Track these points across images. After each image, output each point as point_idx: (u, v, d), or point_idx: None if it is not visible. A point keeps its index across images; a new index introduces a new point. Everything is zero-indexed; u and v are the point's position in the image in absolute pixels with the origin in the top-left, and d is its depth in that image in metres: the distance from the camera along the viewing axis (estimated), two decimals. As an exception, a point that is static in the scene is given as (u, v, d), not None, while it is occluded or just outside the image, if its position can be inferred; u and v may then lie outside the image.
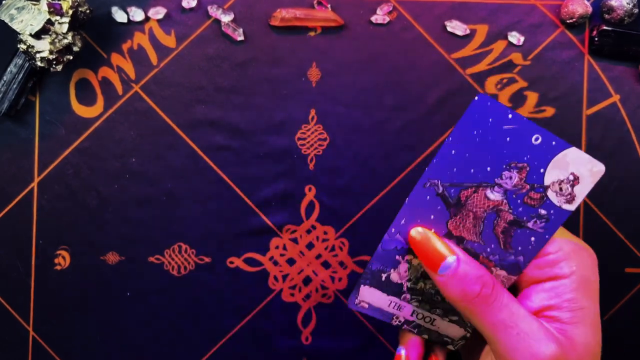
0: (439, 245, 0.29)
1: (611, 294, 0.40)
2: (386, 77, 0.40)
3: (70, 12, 0.36)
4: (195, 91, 0.40)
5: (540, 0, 0.40)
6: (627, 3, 0.39)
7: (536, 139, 0.28)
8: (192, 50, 0.40)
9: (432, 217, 0.30)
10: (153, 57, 0.40)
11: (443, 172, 0.29)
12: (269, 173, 0.40)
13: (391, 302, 0.32)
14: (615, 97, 0.40)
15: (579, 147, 0.40)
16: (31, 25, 0.36)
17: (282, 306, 0.40)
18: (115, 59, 0.40)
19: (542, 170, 0.29)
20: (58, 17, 0.36)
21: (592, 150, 0.40)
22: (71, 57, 0.38)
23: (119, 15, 0.39)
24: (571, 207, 0.29)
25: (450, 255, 0.29)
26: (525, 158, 0.29)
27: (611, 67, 0.40)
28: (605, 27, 0.39)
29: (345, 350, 0.41)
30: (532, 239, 0.29)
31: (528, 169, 0.29)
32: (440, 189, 0.29)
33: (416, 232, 0.30)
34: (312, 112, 0.40)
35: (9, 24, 0.36)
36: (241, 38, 0.40)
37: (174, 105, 0.40)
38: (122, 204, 0.40)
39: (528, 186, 0.29)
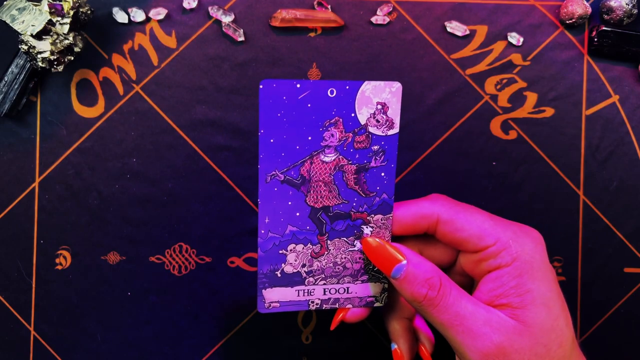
0: (390, 250, 0.31)
1: (610, 293, 0.40)
2: (386, 78, 0.40)
3: (71, 12, 0.36)
4: (196, 91, 0.40)
5: (539, 0, 0.40)
6: (627, 4, 0.39)
7: (331, 92, 0.30)
8: (193, 50, 0.40)
9: (289, 203, 0.31)
10: (154, 57, 0.40)
11: (274, 162, 0.30)
12: (270, 173, 0.40)
13: (298, 291, 0.33)
14: (615, 98, 0.40)
15: (579, 147, 0.40)
16: (32, 25, 0.36)
17: (282, 306, 0.40)
18: (116, 59, 0.40)
19: (353, 115, 0.30)
20: (59, 18, 0.36)
21: (592, 150, 0.40)
22: (72, 58, 0.38)
23: (120, 16, 0.40)
24: (395, 131, 0.31)
25: (401, 259, 0.31)
26: (333, 112, 0.30)
27: (610, 68, 0.40)
28: (604, 28, 0.39)
29: (345, 350, 0.41)
30: (382, 174, 0.31)
31: (341, 120, 0.30)
32: (281, 176, 0.31)
33: (371, 239, 0.32)
34: (313, 112, 0.40)
35: (10, 24, 0.36)
36: (242, 39, 0.40)
37: (174, 106, 0.40)
38: (123, 204, 0.40)
39: (351, 134, 0.30)
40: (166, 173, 0.40)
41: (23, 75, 0.38)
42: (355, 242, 0.32)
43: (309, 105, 0.30)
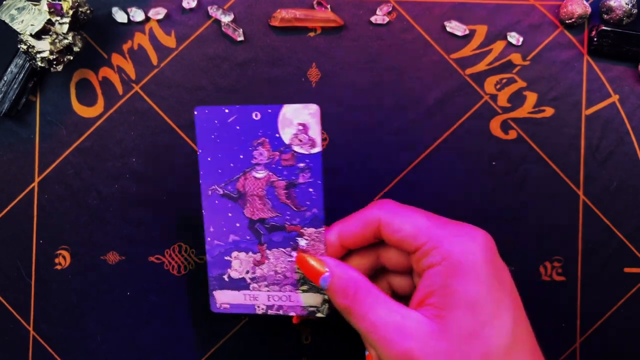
0: (313, 263, 0.33)
1: (610, 293, 0.40)
2: (386, 77, 0.40)
3: (71, 12, 0.36)
4: (196, 91, 0.40)
5: (539, 0, 0.40)
6: (626, 3, 0.39)
7: (256, 115, 0.33)
8: (192, 50, 0.40)
9: (229, 214, 0.34)
10: (153, 57, 0.40)
11: (213, 177, 0.34)
12: (269, 173, 0.40)
13: (245, 295, 0.35)
14: (615, 97, 0.40)
15: (578, 147, 0.40)
16: (32, 25, 0.36)
17: (282, 306, 0.40)
18: (116, 59, 0.40)
19: (277, 135, 0.33)
20: (58, 18, 0.36)
21: (592, 150, 0.40)
22: (72, 57, 0.38)
23: (120, 16, 0.40)
24: (318, 149, 0.33)
25: (324, 271, 0.32)
26: (259, 133, 0.33)
27: (610, 67, 0.40)
28: (604, 28, 0.39)
29: (345, 350, 0.41)
30: (310, 190, 0.33)
31: (267, 140, 0.33)
32: (220, 190, 0.34)
33: (300, 253, 0.34)
34: (312, 112, 0.40)
35: (10, 24, 0.36)
36: (241, 38, 0.40)
37: (174, 106, 0.40)
38: (122, 204, 0.40)
39: (277, 153, 0.33)
40: (166, 173, 0.40)
41: (22, 75, 0.38)
42: (292, 253, 0.34)
43: (238, 127, 0.33)
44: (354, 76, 0.40)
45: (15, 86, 0.38)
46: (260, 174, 0.33)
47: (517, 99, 0.40)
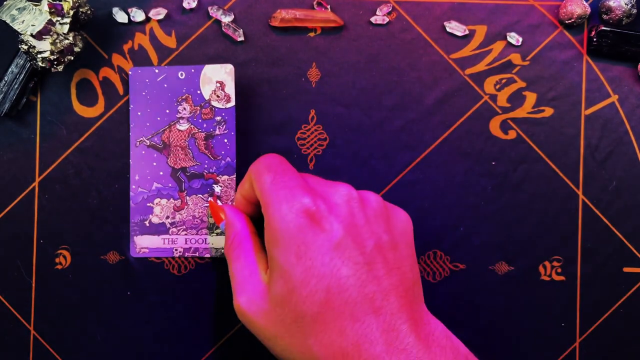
0: (215, 210, 0.37)
1: (610, 293, 0.40)
2: (386, 78, 0.40)
3: (71, 12, 0.36)
4: (196, 91, 0.40)
5: (538, 0, 0.40)
6: (626, 3, 0.39)
7: (181, 75, 0.38)
8: (193, 50, 0.40)
9: (154, 164, 0.38)
10: (154, 57, 0.40)
11: (142, 130, 0.38)
12: (269, 173, 0.40)
13: (164, 239, 0.39)
14: (614, 97, 0.40)
15: (578, 147, 0.40)
16: (32, 25, 0.36)
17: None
18: (116, 59, 0.40)
19: (199, 92, 0.38)
20: (59, 18, 0.36)
21: (591, 150, 0.40)
22: (72, 58, 0.38)
23: (120, 16, 0.40)
24: (232, 104, 0.38)
25: (222, 219, 0.36)
26: (183, 90, 0.38)
27: (610, 68, 0.40)
28: (603, 28, 0.39)
29: (345, 350, 0.41)
30: (225, 140, 0.38)
31: (190, 96, 0.38)
32: (147, 142, 0.38)
33: (211, 200, 0.38)
34: (312, 112, 0.40)
35: (10, 24, 0.36)
36: (241, 38, 0.40)
37: (174, 106, 0.40)
38: (122, 204, 0.40)
39: (198, 107, 0.38)
40: (166, 173, 0.40)
41: (23, 75, 0.39)
42: (209, 199, 0.38)
43: (165, 85, 0.38)
44: (354, 76, 0.40)
45: (16, 86, 0.39)
46: (183, 126, 0.38)
47: (516, 99, 0.40)
